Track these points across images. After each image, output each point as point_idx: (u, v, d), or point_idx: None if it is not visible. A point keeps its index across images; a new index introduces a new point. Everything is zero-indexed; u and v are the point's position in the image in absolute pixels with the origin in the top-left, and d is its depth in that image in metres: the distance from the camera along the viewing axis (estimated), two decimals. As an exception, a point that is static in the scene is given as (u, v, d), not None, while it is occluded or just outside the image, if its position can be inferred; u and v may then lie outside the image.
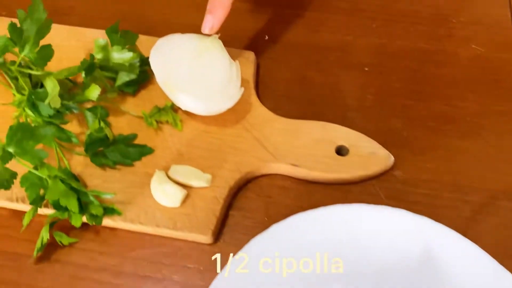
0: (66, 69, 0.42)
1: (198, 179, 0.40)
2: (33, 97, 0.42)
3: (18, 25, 0.41)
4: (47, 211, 0.40)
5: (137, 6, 0.55)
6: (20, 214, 0.42)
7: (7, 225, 0.42)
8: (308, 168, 0.41)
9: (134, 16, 0.53)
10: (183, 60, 0.42)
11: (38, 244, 0.38)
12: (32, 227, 0.41)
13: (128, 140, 0.43)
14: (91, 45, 0.48)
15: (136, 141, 0.43)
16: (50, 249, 0.40)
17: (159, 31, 0.49)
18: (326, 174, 0.41)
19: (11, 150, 0.37)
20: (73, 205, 0.37)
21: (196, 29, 0.46)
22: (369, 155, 0.41)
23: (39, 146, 0.38)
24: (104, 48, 0.42)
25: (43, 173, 0.38)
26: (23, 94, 0.43)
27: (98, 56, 0.43)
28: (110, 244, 0.41)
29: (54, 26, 0.42)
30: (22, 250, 0.40)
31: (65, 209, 0.38)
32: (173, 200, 0.39)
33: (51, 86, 0.41)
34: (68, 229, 0.41)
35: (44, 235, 0.38)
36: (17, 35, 0.39)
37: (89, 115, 0.43)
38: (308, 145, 0.42)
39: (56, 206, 0.38)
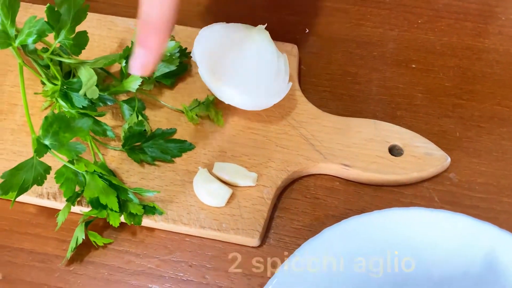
0: (104, 58, 0.39)
1: (244, 178, 0.38)
2: (65, 87, 0.39)
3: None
4: (80, 209, 0.37)
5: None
6: (48, 211, 0.39)
7: (35, 223, 0.39)
8: (361, 168, 0.38)
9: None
10: (228, 52, 0.39)
11: (72, 245, 0.36)
12: (61, 225, 0.39)
13: (167, 135, 0.40)
14: (123, 34, 0.46)
15: (175, 136, 0.41)
16: (83, 249, 0.37)
17: (193, 21, 0.47)
18: (380, 175, 0.38)
19: (47, 142, 0.34)
20: (113, 203, 0.34)
21: (233, 18, 0.43)
22: (425, 156, 0.39)
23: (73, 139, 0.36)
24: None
25: (80, 168, 0.35)
26: (54, 84, 0.40)
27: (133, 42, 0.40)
28: (147, 246, 0.38)
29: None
30: (51, 250, 0.38)
31: (104, 207, 0.35)
32: (219, 200, 0.37)
33: (87, 76, 0.38)
34: (101, 228, 0.38)
35: (79, 235, 0.36)
36: (54, 19, 0.36)
37: (125, 107, 0.40)
38: (359, 144, 0.39)
39: (94, 204, 0.35)
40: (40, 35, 0.36)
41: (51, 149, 0.34)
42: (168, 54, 0.40)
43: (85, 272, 0.37)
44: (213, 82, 0.39)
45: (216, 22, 0.43)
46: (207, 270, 0.37)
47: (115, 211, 0.35)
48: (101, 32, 0.46)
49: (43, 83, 0.42)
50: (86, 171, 0.35)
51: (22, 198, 0.38)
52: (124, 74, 0.39)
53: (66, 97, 0.39)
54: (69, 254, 0.36)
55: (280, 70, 0.39)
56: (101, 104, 0.40)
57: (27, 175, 0.34)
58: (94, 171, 0.35)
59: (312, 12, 0.51)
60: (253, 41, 0.40)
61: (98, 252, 0.37)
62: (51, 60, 0.40)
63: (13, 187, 0.33)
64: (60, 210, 0.38)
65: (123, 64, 0.38)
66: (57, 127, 0.35)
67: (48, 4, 0.36)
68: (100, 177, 0.35)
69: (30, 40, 0.36)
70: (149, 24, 0.32)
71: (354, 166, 0.39)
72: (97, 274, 0.37)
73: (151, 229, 0.38)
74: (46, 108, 0.42)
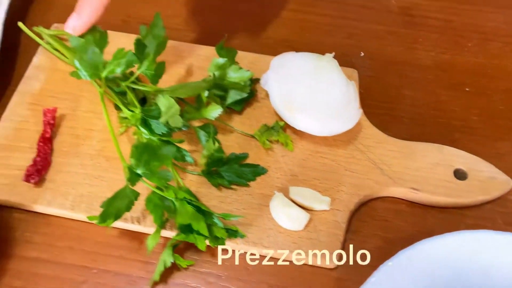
0: (182, 87, 0.41)
1: (319, 202, 0.39)
2: (144, 114, 0.41)
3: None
4: (167, 233, 0.39)
5: (224, 20, 0.54)
6: (130, 234, 0.41)
7: (118, 245, 0.41)
8: (429, 192, 0.40)
9: (222, 30, 0.52)
10: (301, 80, 0.41)
11: (160, 268, 0.37)
12: (142, 248, 0.40)
13: (240, 159, 0.42)
14: (188, 59, 0.48)
15: (247, 161, 0.42)
16: (166, 271, 0.39)
17: (256, 48, 0.49)
18: (447, 199, 0.40)
19: (139, 171, 0.36)
20: (203, 228, 0.36)
21: (292, 44, 0.45)
22: (489, 180, 0.41)
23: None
24: (221, 67, 0.41)
25: (169, 195, 0.37)
26: (130, 111, 0.42)
27: (216, 74, 0.42)
28: (226, 267, 0.40)
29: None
30: (136, 271, 0.39)
31: (192, 232, 0.37)
32: (298, 224, 0.38)
33: (166, 104, 0.40)
34: (182, 251, 0.40)
35: (167, 258, 0.37)
36: (140, 51, 0.38)
37: (201, 133, 0.42)
38: (426, 169, 0.41)
39: (183, 229, 0.37)
40: (128, 66, 0.37)
41: (142, 177, 0.36)
42: (242, 83, 0.42)
43: (171, 293, 0.39)
44: (286, 109, 0.41)
45: (277, 48, 0.45)
46: (287, 291, 0.39)
47: (203, 236, 0.37)
48: (167, 57, 0.48)
49: (118, 109, 0.44)
50: (176, 197, 0.37)
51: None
52: (202, 103, 0.41)
53: (145, 123, 0.41)
54: (157, 276, 0.37)
55: (350, 97, 0.41)
56: (175, 130, 0.42)
57: (121, 203, 0.36)
58: (184, 197, 0.36)
59: (366, 36, 0.53)
60: (323, 69, 0.41)
61: (181, 274, 0.39)
62: (128, 87, 0.42)
63: (109, 215, 0.35)
64: (141, 233, 0.40)
65: (206, 94, 0.40)
66: (147, 156, 0.36)
67: (137, 37, 0.38)
68: (188, 203, 0.37)
69: (118, 70, 0.38)
70: None
71: (423, 190, 0.40)
72: (182, 294, 0.39)
73: (227, 251, 0.40)
74: (122, 134, 0.44)
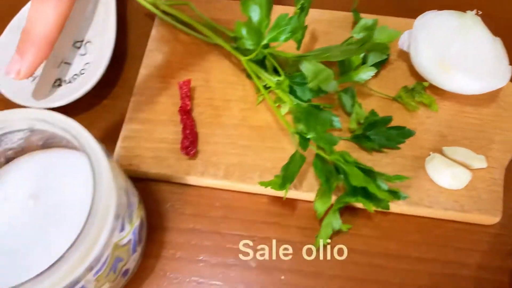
0: (325, 50, 0.40)
1: (477, 161, 0.39)
2: (290, 80, 0.40)
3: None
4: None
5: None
6: (281, 200, 0.40)
7: (272, 213, 0.41)
8: None
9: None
10: (451, 38, 0.40)
11: (329, 231, 0.37)
12: (295, 214, 0.40)
13: (387, 122, 0.41)
14: (312, 25, 0.47)
15: (391, 124, 0.42)
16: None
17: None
18: None
19: (309, 136, 0.36)
20: (374, 190, 0.36)
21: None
22: None
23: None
24: (368, 28, 0.40)
25: (337, 159, 0.37)
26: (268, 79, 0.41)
27: (358, 36, 0.41)
28: (383, 229, 0.40)
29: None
30: (294, 236, 0.39)
31: (360, 194, 0.37)
32: (460, 183, 0.38)
33: (312, 70, 0.39)
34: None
35: (335, 222, 0.37)
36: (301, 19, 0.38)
37: (345, 98, 0.42)
38: None
39: (352, 192, 0.37)
40: (293, 33, 0.37)
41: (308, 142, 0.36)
42: (387, 44, 0.41)
43: (334, 258, 0.38)
44: (436, 69, 0.40)
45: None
46: (452, 249, 0.39)
47: (371, 198, 0.37)
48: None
49: (251, 78, 0.44)
50: (344, 161, 0.36)
51: (254, 189, 0.40)
52: (351, 66, 0.40)
53: (290, 91, 0.40)
54: (326, 239, 0.38)
55: (499, 54, 0.41)
56: (320, 95, 0.41)
57: (293, 168, 0.36)
58: (354, 161, 0.36)
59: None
60: (469, 27, 0.41)
61: (340, 238, 0.39)
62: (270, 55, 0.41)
63: (286, 179, 0.35)
64: (293, 199, 0.40)
65: (361, 55, 0.39)
66: (313, 121, 0.36)
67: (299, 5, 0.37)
68: (356, 167, 0.37)
69: (282, 38, 0.37)
70: (31, 37, 0.36)
71: None
72: (346, 257, 0.39)
73: (385, 213, 0.40)
74: (260, 102, 0.43)
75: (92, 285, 0.30)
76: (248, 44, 0.37)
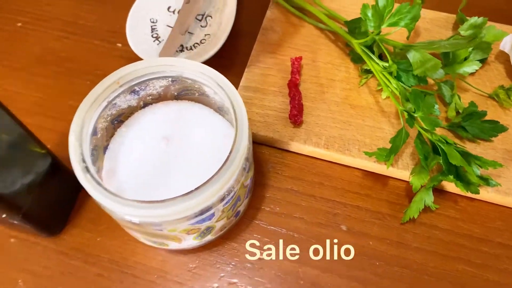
0: (432, 43, 0.43)
1: None
2: (397, 67, 0.44)
3: None
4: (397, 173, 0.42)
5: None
6: (373, 175, 0.44)
7: (364, 185, 0.44)
8: None
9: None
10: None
11: (420, 206, 0.41)
12: (385, 189, 0.44)
13: (481, 116, 0.44)
14: (426, 23, 0.50)
15: (485, 118, 0.45)
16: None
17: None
18: None
19: (417, 115, 0.39)
20: (470, 171, 0.39)
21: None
22: None
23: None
24: (478, 26, 0.44)
25: (435, 139, 0.40)
26: (373, 64, 0.45)
27: (465, 33, 0.44)
28: (468, 213, 0.43)
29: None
30: (385, 210, 0.43)
31: (454, 175, 0.40)
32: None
33: (420, 58, 0.43)
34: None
35: (427, 198, 0.41)
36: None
37: (445, 88, 0.45)
38: None
39: (447, 173, 0.40)
40: (413, 21, 0.41)
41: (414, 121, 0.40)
42: (491, 44, 0.44)
43: (420, 232, 0.42)
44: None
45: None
46: (532, 239, 0.41)
47: (465, 182, 0.39)
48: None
49: (356, 62, 0.48)
50: (445, 141, 0.40)
51: (351, 162, 0.44)
52: (456, 59, 0.44)
53: (395, 76, 0.44)
54: (416, 214, 0.41)
55: None
56: (422, 83, 0.45)
57: (398, 142, 0.39)
58: (454, 142, 0.40)
59: None
60: None
61: (427, 215, 0.43)
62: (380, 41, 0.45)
63: (392, 151, 0.39)
64: (383, 175, 0.43)
65: (469, 49, 0.43)
66: (420, 103, 0.40)
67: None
68: (454, 148, 0.40)
69: (402, 24, 0.41)
70: None
71: None
72: (431, 234, 0.42)
73: (471, 199, 0.43)
74: (363, 84, 0.47)
75: (217, 215, 0.35)
76: (370, 25, 0.41)
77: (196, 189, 0.31)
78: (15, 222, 0.37)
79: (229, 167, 0.32)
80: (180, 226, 0.33)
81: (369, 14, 0.41)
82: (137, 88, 0.38)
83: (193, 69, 0.36)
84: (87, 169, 0.32)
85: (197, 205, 0.32)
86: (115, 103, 0.38)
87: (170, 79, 0.39)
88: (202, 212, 0.33)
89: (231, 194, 0.34)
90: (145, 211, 0.31)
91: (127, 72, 0.37)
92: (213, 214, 0.34)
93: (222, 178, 0.31)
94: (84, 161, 0.32)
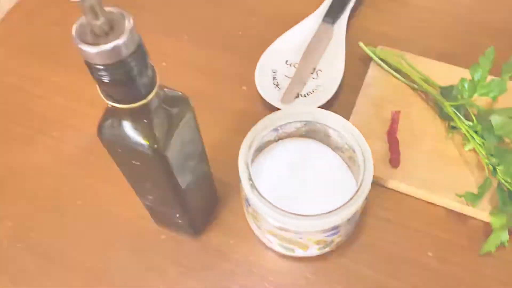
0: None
1: None
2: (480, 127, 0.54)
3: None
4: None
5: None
6: (455, 215, 0.53)
7: (450, 221, 0.54)
8: None
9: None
10: None
11: (497, 242, 0.50)
12: (467, 225, 0.53)
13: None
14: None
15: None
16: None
17: None
18: None
19: (499, 168, 0.49)
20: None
21: None
22: None
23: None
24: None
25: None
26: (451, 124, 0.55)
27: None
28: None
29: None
30: (465, 242, 0.52)
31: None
32: None
33: (501, 122, 0.52)
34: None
35: (503, 236, 0.49)
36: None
37: (520, 147, 0.54)
38: None
39: (525, 217, 0.49)
40: (500, 93, 0.51)
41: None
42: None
43: (498, 263, 0.50)
44: None
45: None
46: None
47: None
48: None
49: (444, 119, 0.58)
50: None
51: (437, 200, 0.53)
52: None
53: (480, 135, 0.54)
54: (493, 248, 0.50)
55: None
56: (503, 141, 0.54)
57: (483, 189, 0.49)
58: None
59: None
60: None
61: (503, 251, 0.51)
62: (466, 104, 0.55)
63: (478, 196, 0.49)
64: (463, 214, 0.53)
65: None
66: (502, 158, 0.49)
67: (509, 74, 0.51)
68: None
69: (491, 95, 0.51)
70: None
71: None
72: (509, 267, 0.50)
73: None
74: (450, 138, 0.57)
75: (341, 231, 0.45)
76: (465, 94, 0.51)
77: (336, 209, 0.42)
78: (180, 221, 0.49)
79: (361, 195, 0.42)
80: (315, 236, 0.44)
81: (466, 85, 0.51)
82: (278, 128, 0.50)
83: (334, 119, 0.48)
84: (252, 185, 0.43)
85: (334, 222, 0.42)
86: (263, 136, 0.49)
87: (303, 122, 0.50)
88: (333, 228, 0.43)
89: (355, 216, 0.45)
90: (297, 222, 0.41)
91: (278, 116, 0.48)
92: (338, 231, 0.45)
93: (356, 202, 0.42)
94: (251, 179, 0.44)
